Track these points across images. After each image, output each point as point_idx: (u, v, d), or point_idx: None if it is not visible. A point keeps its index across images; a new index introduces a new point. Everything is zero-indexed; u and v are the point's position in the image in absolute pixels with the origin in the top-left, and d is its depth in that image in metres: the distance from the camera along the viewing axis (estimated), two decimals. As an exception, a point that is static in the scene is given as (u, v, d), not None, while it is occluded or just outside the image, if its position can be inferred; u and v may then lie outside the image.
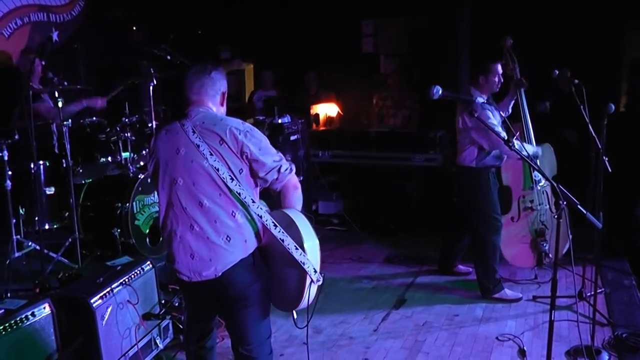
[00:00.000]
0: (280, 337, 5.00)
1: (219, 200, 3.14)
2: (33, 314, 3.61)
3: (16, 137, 5.60)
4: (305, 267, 3.04)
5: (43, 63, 6.21)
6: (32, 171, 5.61)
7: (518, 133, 5.34)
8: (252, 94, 9.88)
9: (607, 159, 5.02)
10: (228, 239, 3.15)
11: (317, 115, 9.01)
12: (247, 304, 3.26)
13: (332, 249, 7.31)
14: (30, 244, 5.62)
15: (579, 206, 3.28)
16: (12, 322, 3.48)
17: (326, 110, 9.27)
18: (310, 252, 3.08)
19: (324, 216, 8.37)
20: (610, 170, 5.02)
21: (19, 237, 5.57)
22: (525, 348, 4.59)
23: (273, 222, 3.12)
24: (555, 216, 3.39)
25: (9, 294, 4.66)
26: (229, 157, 3.13)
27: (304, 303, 3.21)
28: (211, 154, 3.11)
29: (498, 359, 4.59)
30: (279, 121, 6.73)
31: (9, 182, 5.36)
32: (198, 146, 3.12)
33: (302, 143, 7.08)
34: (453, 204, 6.19)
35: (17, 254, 5.49)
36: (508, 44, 5.79)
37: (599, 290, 5.20)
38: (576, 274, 5.14)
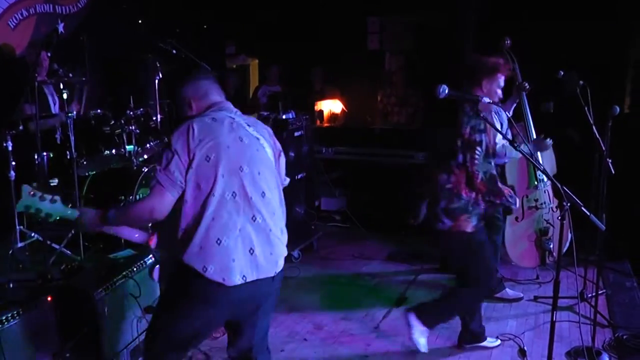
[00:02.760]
0: (280, 332, 5.01)
1: (276, 192, 3.16)
2: (35, 305, 3.62)
3: (20, 128, 5.61)
4: None
5: (49, 55, 6.21)
6: (36, 162, 5.62)
7: (521, 133, 5.33)
8: (256, 89, 9.87)
9: (610, 160, 5.02)
10: (282, 231, 3.17)
11: (321, 111, 9.01)
12: (275, 302, 3.31)
13: (334, 245, 7.32)
14: (33, 234, 5.63)
15: (582, 207, 3.28)
16: (14, 312, 3.49)
17: (330, 106, 9.28)
18: None
19: (326, 212, 8.37)
20: (613, 172, 5.02)
21: (22, 227, 5.59)
22: (525, 348, 4.59)
23: None
24: (559, 217, 3.39)
25: (11, 285, 4.66)
26: (272, 154, 3.23)
27: None
28: (270, 147, 3.19)
29: (498, 359, 4.60)
30: (284, 117, 6.71)
31: (12, 173, 5.37)
32: (258, 138, 3.15)
33: (306, 139, 7.07)
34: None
35: (20, 245, 5.50)
36: (507, 45, 5.78)
37: (600, 292, 5.21)
38: (578, 275, 5.14)
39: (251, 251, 2.98)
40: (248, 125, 3.15)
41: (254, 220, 3.01)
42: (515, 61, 5.76)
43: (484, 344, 4.70)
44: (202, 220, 2.91)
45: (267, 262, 3.05)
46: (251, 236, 2.99)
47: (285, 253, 3.19)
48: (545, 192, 5.86)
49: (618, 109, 4.95)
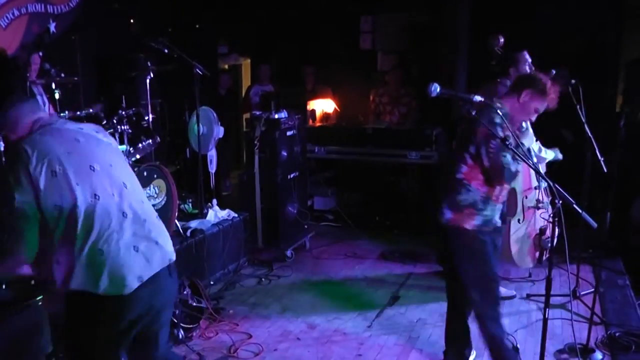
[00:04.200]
0: (273, 332, 5.01)
1: (135, 179, 3.13)
2: (28, 306, 3.61)
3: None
4: None
5: (40, 54, 6.19)
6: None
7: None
8: (248, 89, 9.86)
9: (602, 159, 5.04)
10: (157, 216, 3.16)
11: (313, 111, 9.00)
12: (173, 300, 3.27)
13: (327, 245, 7.33)
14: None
15: (574, 205, 3.29)
16: (7, 313, 3.48)
17: (323, 106, 9.27)
18: None
19: (319, 212, 8.38)
20: (605, 170, 5.04)
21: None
22: (518, 346, 4.60)
23: None
24: (550, 215, 3.40)
25: (4, 285, 4.64)
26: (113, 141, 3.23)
27: None
28: (105, 136, 3.14)
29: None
30: (276, 116, 6.71)
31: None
32: (91, 134, 3.03)
33: (299, 138, 7.08)
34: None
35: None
36: (500, 43, 5.77)
37: (592, 290, 5.22)
38: (570, 273, 5.16)
39: (136, 249, 2.83)
40: (77, 127, 3.01)
41: (125, 216, 2.85)
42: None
43: None
44: (77, 239, 2.74)
45: (157, 253, 2.92)
46: (129, 233, 2.84)
47: (169, 237, 3.05)
48: (537, 189, 5.85)
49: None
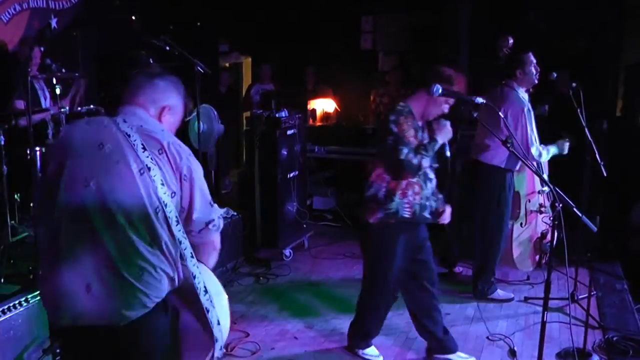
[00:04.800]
0: (271, 331, 5.01)
1: None
2: (27, 300, 3.61)
3: (13, 122, 5.59)
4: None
5: (42, 50, 6.19)
6: (28, 157, 5.60)
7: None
8: (249, 88, 9.87)
9: (602, 162, 5.04)
10: None
11: (314, 110, 9.01)
12: None
13: (326, 244, 7.32)
14: (25, 230, 5.60)
15: (574, 209, 3.30)
16: (5, 307, 3.48)
17: (323, 105, 9.28)
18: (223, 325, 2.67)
19: (318, 212, 8.37)
20: (605, 174, 5.04)
21: (13, 222, 5.56)
22: (515, 348, 4.61)
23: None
24: (550, 218, 3.40)
25: (2, 280, 4.65)
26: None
27: None
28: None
29: (488, 359, 4.61)
30: (276, 115, 6.71)
31: (5, 168, 5.34)
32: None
33: (299, 138, 7.07)
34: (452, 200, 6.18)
35: (11, 240, 5.48)
36: (509, 44, 5.76)
37: (591, 294, 5.23)
38: (569, 276, 5.16)
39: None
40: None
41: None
42: None
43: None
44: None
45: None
46: None
47: None
48: (541, 193, 5.85)
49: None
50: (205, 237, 2.66)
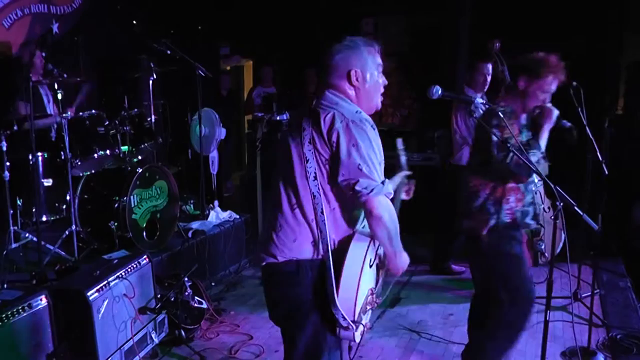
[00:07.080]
0: (275, 333, 4.99)
1: None
2: (30, 306, 3.62)
3: (15, 128, 5.60)
4: None
5: (43, 55, 6.21)
6: (31, 162, 5.61)
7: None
8: (251, 90, 9.88)
9: (604, 161, 5.03)
10: None
11: (315, 112, 9.00)
12: None
13: (329, 246, 7.30)
14: (27, 235, 5.62)
15: (575, 207, 3.29)
16: (9, 313, 3.48)
17: (324, 108, 9.27)
18: None
19: (321, 213, 8.34)
20: (607, 172, 5.03)
21: (16, 228, 5.57)
22: (519, 348, 4.60)
23: None
24: (552, 217, 3.40)
25: (5, 285, 4.66)
26: None
27: None
28: None
29: (492, 358, 4.61)
30: (278, 118, 6.73)
31: (7, 173, 5.35)
32: None
33: (300, 140, 7.08)
34: (449, 203, 6.18)
35: (14, 245, 5.49)
36: (496, 47, 5.79)
37: (595, 292, 5.22)
38: (571, 275, 5.16)
39: None
40: None
41: None
42: (505, 64, 5.77)
43: None
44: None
45: None
46: None
47: None
48: (537, 192, 5.84)
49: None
50: None
